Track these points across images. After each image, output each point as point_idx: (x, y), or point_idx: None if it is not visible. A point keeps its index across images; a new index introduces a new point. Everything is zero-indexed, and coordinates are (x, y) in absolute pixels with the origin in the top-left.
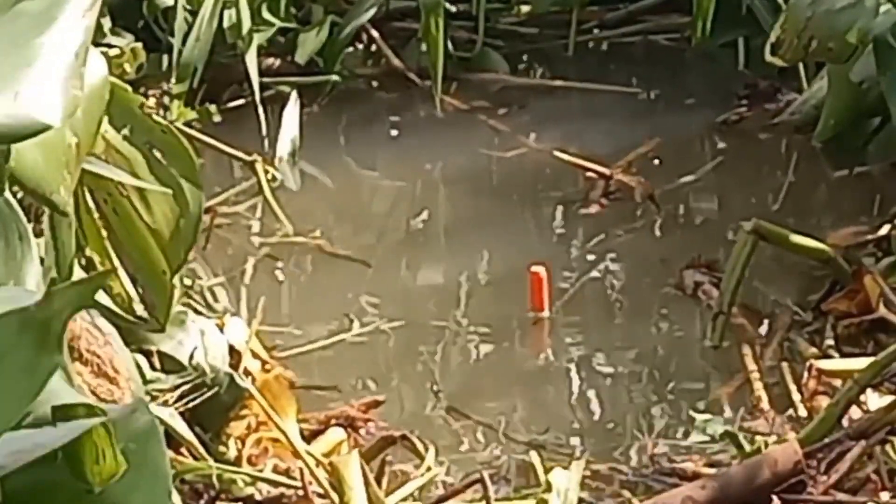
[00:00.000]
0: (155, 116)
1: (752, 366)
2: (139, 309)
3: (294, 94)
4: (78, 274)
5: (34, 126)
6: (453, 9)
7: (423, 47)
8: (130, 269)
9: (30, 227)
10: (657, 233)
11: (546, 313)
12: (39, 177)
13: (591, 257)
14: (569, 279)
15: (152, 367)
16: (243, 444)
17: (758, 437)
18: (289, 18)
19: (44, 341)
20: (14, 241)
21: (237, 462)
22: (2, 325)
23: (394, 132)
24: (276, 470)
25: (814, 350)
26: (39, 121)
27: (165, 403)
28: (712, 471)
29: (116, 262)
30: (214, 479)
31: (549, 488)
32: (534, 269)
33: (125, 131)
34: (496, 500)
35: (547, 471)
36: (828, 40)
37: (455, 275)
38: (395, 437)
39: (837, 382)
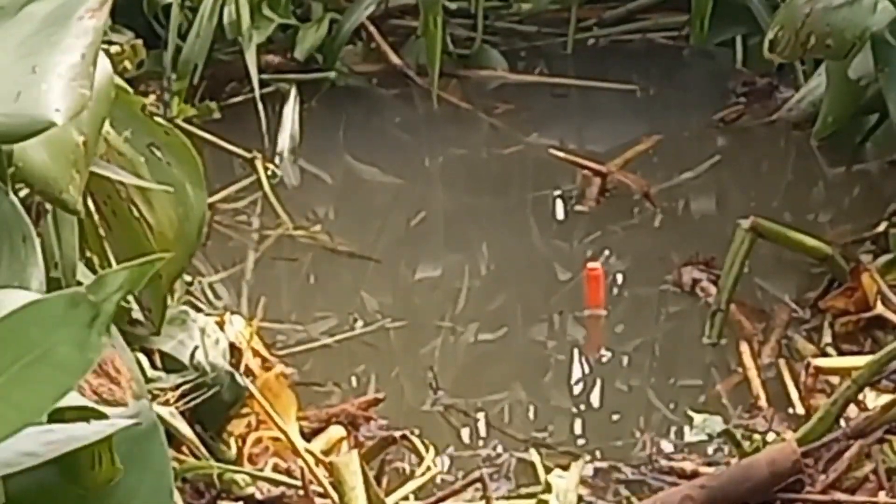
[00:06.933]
0: (157, 118)
1: (749, 363)
2: (136, 312)
3: (294, 91)
4: (81, 273)
5: (34, 125)
6: (452, 6)
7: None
8: None
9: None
10: (655, 230)
11: (602, 311)
12: (47, 176)
13: (588, 254)
14: (567, 277)
15: (153, 366)
16: (244, 442)
17: (756, 436)
18: (288, 15)
19: (95, 319)
20: (18, 243)
21: (238, 461)
22: (53, 301)
23: (393, 129)
24: (276, 469)
25: (812, 348)
26: (40, 120)
27: (166, 402)
28: (711, 469)
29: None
30: (215, 478)
31: (548, 487)
32: (590, 265)
33: (127, 133)
34: (496, 498)
35: (547, 469)
36: (826, 37)
37: (454, 271)
38: (396, 438)
39: (835, 380)
